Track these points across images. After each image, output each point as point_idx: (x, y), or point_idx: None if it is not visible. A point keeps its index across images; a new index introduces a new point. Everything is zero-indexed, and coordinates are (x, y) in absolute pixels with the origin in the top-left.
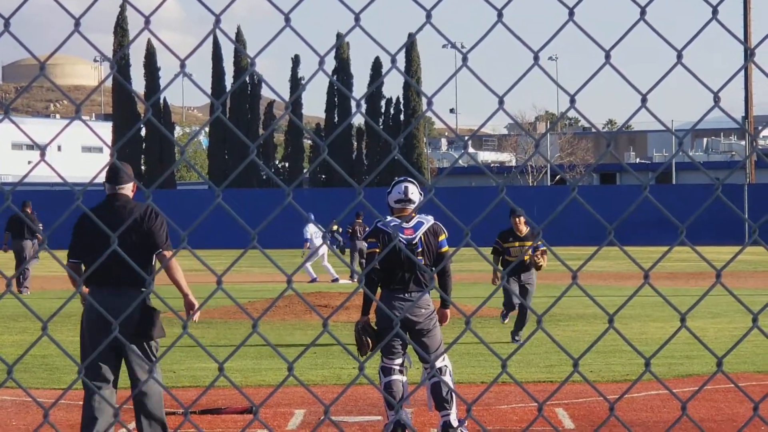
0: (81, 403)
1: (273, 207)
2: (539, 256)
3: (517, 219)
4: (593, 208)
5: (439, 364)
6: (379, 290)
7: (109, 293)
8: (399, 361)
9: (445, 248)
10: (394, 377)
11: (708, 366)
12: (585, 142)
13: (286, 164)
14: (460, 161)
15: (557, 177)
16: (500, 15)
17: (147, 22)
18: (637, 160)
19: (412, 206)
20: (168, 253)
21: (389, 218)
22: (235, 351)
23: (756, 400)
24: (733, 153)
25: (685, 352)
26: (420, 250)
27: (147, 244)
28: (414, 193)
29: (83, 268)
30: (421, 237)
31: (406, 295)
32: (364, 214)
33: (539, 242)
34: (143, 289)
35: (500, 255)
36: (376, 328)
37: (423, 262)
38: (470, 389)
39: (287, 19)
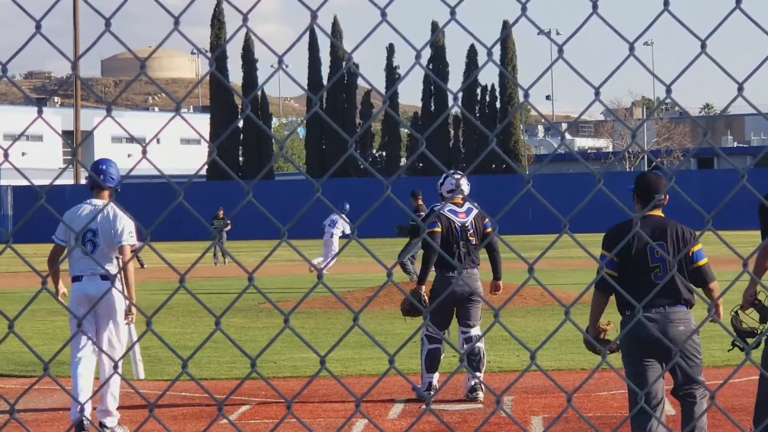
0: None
1: (371, 196)
2: None
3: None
4: (691, 193)
5: (475, 332)
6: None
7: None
8: (443, 333)
9: (490, 229)
10: (438, 345)
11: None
12: (682, 127)
13: (384, 153)
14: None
15: (654, 163)
16: (595, 6)
17: (245, 19)
18: (735, 144)
19: (461, 196)
20: None
21: (445, 204)
22: (336, 344)
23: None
24: None
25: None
26: (471, 231)
27: None
28: (464, 184)
29: None
30: (472, 220)
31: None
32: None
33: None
34: None
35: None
36: (427, 300)
37: (474, 242)
38: (570, 376)
39: (383, 14)
